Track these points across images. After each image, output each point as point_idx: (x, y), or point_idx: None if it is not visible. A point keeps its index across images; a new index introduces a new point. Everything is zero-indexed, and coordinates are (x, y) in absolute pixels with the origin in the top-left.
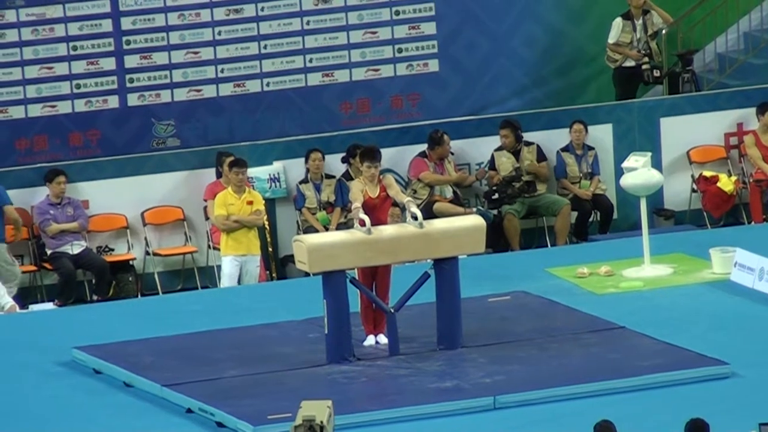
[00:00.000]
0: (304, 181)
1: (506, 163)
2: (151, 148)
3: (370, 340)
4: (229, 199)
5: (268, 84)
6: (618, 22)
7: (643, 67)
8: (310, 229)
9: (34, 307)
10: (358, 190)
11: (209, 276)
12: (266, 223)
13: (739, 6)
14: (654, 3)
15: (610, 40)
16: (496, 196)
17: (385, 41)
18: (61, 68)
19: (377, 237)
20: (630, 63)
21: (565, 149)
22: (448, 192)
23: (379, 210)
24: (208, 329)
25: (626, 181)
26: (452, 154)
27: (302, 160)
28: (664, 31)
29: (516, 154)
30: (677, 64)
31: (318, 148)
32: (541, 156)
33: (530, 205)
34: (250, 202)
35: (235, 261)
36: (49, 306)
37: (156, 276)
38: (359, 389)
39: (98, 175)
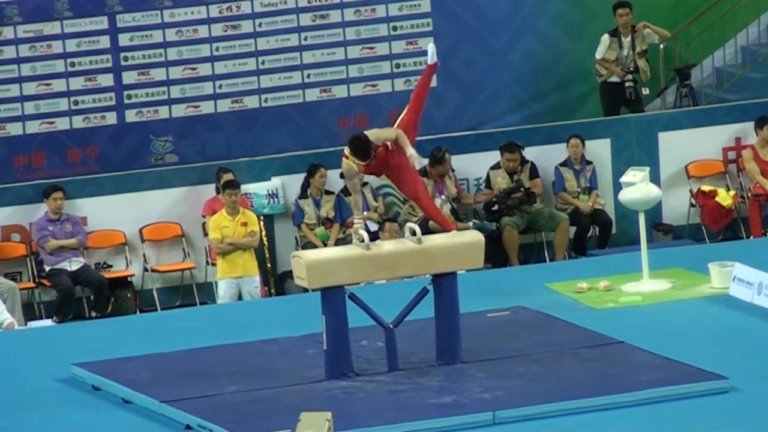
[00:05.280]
0: (303, 196)
1: (501, 183)
2: (149, 164)
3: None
4: (222, 222)
5: (266, 100)
6: (605, 38)
7: (626, 84)
8: (308, 245)
9: (33, 324)
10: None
11: (208, 292)
12: (264, 239)
13: (736, 21)
14: (652, 18)
15: (597, 56)
16: (496, 207)
17: (383, 56)
18: (58, 85)
19: (376, 252)
20: (615, 79)
21: (564, 164)
22: (446, 207)
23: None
24: (207, 345)
25: (624, 195)
26: (453, 171)
27: (301, 176)
28: (661, 46)
29: (512, 173)
30: (674, 79)
31: (323, 164)
32: (534, 173)
33: (529, 220)
34: (245, 224)
35: (231, 284)
36: (47, 323)
37: (154, 292)
38: (358, 405)
39: (96, 191)
